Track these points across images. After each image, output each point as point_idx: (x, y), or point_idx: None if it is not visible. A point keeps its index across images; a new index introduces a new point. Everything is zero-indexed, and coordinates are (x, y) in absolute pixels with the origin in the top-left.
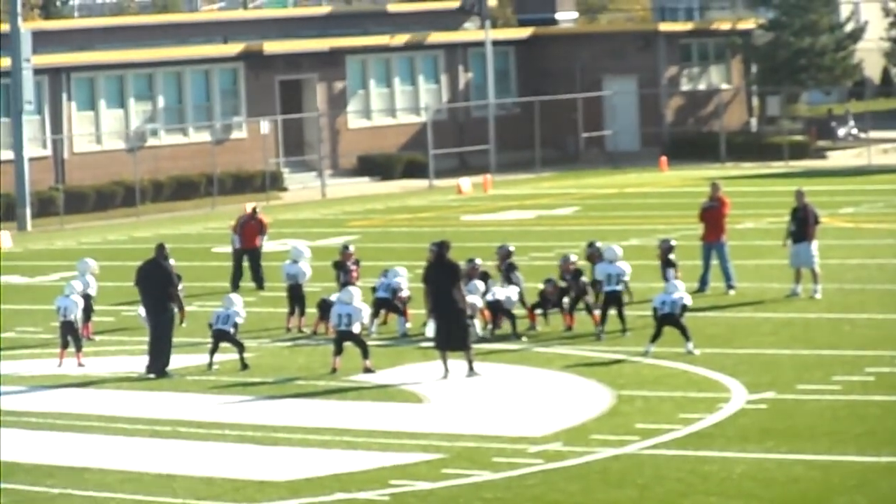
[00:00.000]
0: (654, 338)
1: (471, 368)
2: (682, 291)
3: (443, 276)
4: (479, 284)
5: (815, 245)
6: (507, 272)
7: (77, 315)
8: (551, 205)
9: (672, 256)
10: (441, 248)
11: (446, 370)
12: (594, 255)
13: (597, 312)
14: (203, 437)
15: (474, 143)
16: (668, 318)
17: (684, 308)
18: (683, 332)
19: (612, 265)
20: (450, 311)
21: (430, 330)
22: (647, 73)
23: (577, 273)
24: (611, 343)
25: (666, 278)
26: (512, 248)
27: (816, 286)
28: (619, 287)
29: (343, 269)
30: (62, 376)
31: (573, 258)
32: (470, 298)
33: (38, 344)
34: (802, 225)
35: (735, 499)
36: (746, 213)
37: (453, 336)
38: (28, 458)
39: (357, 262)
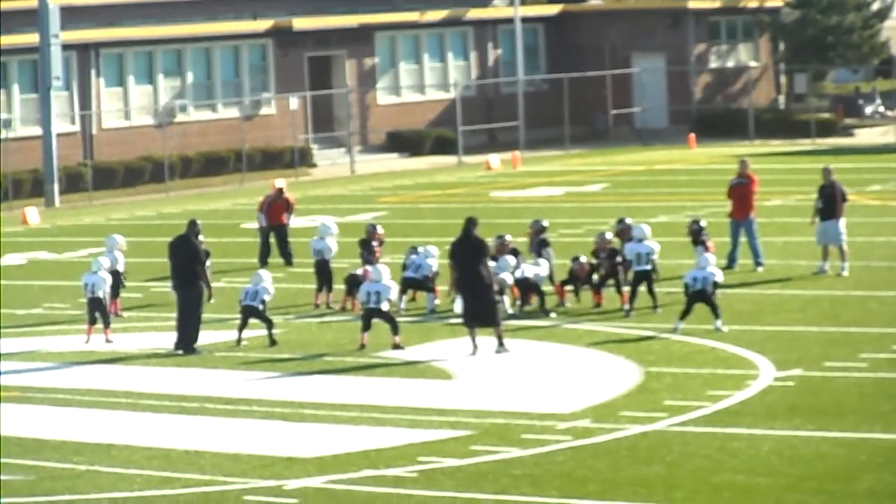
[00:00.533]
0: (684, 315)
1: (500, 344)
2: (713, 266)
3: (469, 253)
4: (510, 260)
5: (842, 222)
6: (539, 247)
7: (105, 291)
8: (580, 181)
9: (704, 234)
10: (468, 224)
11: (475, 347)
12: (624, 232)
13: (626, 289)
14: (230, 414)
15: (503, 119)
16: (700, 295)
17: (716, 285)
18: (714, 309)
19: (641, 244)
20: (477, 287)
21: (458, 306)
22: (676, 51)
23: (613, 252)
24: (640, 320)
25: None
26: (545, 224)
27: (844, 263)
28: (649, 266)
29: (367, 249)
30: (90, 352)
31: (609, 236)
32: (500, 275)
33: (65, 320)
34: (830, 202)
35: (762, 476)
36: (774, 190)
37: (481, 312)
38: (55, 434)
39: (381, 243)
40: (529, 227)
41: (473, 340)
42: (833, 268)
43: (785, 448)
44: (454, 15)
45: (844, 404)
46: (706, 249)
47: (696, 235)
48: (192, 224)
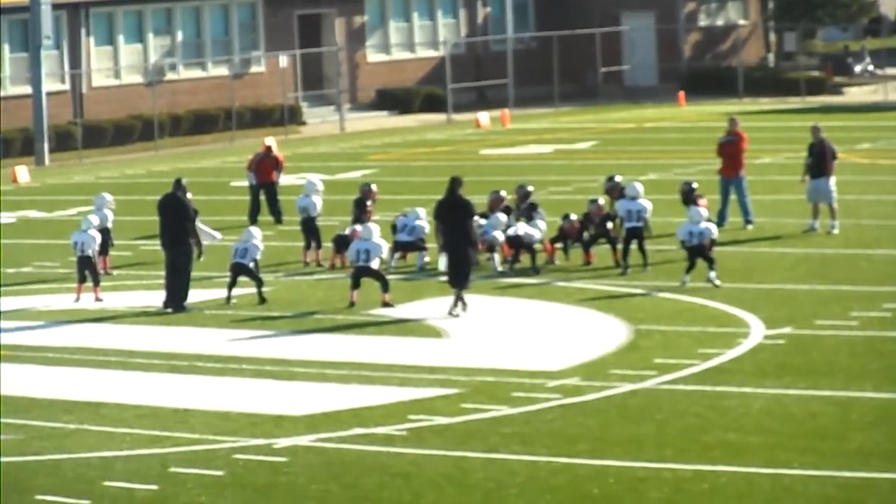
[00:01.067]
0: (689, 269)
1: (455, 305)
2: (705, 220)
3: (454, 213)
4: (502, 217)
5: (832, 180)
6: (529, 212)
7: (94, 250)
8: (570, 139)
9: (696, 193)
10: (452, 183)
11: (464, 305)
12: (614, 190)
13: (620, 247)
14: (220, 372)
15: (493, 77)
16: (698, 250)
17: (713, 241)
18: (710, 262)
19: (634, 202)
20: (459, 247)
21: (443, 264)
22: (666, 9)
23: (606, 217)
24: (630, 277)
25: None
26: (530, 188)
27: (834, 222)
28: (640, 223)
29: (361, 208)
30: (80, 311)
31: (602, 202)
32: (490, 233)
33: (55, 279)
34: (820, 160)
35: (753, 434)
36: (764, 148)
37: (455, 272)
38: (45, 393)
39: (374, 201)
40: (515, 192)
41: (458, 301)
42: (823, 226)
43: (775, 406)
44: None
45: (835, 363)
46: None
47: (688, 196)
48: (178, 182)
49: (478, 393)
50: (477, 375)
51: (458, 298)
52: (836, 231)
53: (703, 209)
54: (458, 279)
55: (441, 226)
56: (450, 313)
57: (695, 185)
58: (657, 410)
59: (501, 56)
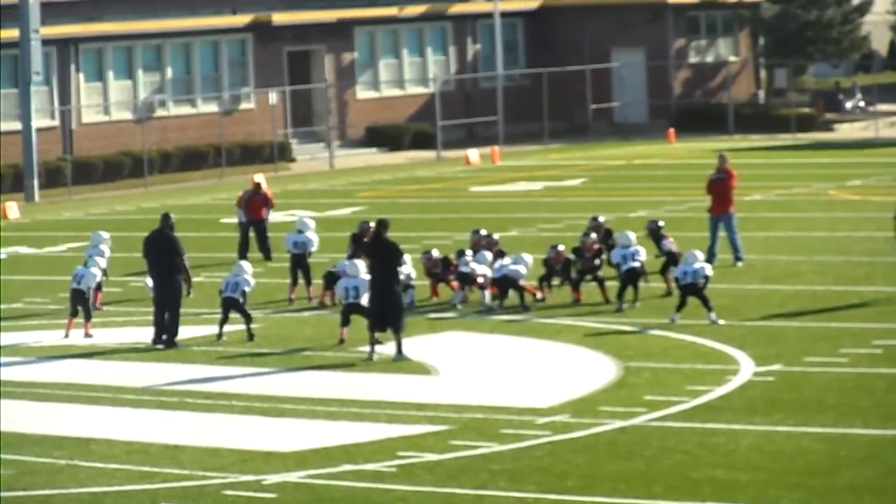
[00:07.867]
0: (680, 307)
1: (399, 351)
2: (701, 261)
3: (379, 256)
4: (487, 255)
5: None
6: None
7: (89, 287)
8: (559, 176)
9: (662, 232)
10: (378, 226)
11: (372, 351)
12: (598, 229)
13: (608, 285)
14: (210, 409)
15: (482, 114)
16: (691, 289)
17: (706, 279)
18: (706, 302)
19: (627, 249)
20: (384, 292)
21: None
22: (656, 46)
23: (599, 252)
24: (619, 315)
25: (660, 251)
26: (483, 231)
27: None
28: (637, 264)
29: (357, 244)
30: (69, 347)
31: (594, 236)
32: (478, 269)
33: (46, 314)
34: None
35: (742, 471)
36: (754, 185)
37: (387, 316)
38: (35, 429)
39: None
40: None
41: (372, 345)
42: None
43: (765, 443)
44: (433, 10)
45: (824, 399)
46: (660, 247)
47: (655, 234)
48: (166, 217)
49: (467, 430)
50: (466, 412)
51: (398, 343)
52: None
53: (699, 252)
54: (378, 322)
55: (369, 266)
56: (394, 360)
57: (661, 224)
58: (646, 447)
59: (491, 93)
